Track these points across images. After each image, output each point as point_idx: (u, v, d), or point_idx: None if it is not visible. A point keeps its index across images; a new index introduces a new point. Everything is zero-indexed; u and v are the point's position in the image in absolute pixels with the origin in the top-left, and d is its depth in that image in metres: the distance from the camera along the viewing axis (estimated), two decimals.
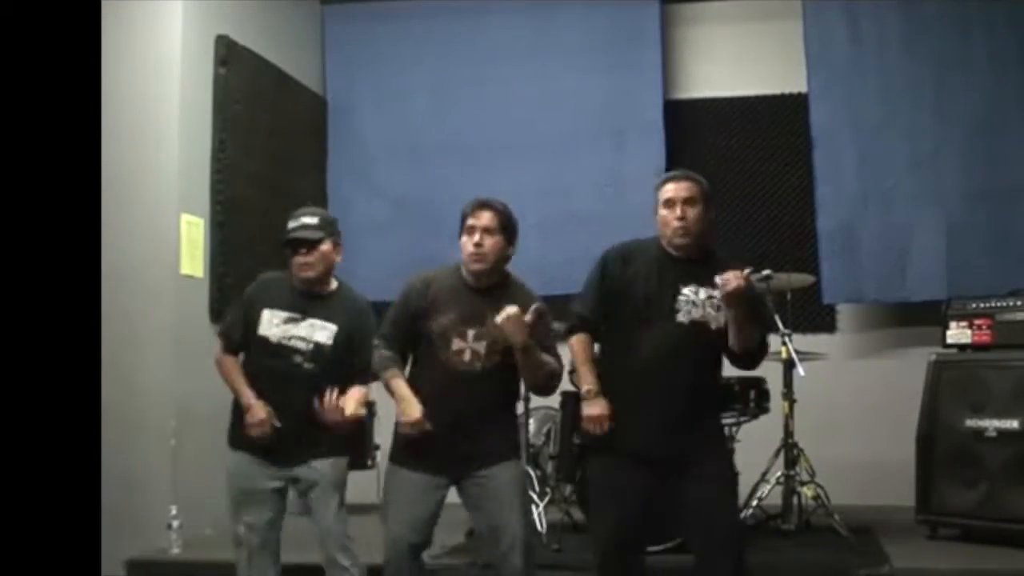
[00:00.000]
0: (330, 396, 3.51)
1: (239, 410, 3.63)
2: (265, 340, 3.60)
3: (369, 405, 5.92)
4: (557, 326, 3.59)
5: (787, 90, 6.54)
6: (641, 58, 6.43)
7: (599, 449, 3.43)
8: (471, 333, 3.36)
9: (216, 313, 5.30)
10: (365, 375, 3.58)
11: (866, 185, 6.10)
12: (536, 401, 5.39)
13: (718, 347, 3.39)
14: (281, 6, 6.37)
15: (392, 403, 3.44)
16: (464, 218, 3.44)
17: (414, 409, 3.33)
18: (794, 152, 6.50)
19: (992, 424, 4.63)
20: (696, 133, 6.65)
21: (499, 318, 3.24)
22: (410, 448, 3.40)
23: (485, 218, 3.39)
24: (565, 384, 4.88)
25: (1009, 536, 4.49)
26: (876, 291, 6.13)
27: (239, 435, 3.65)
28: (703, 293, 3.31)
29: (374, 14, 6.83)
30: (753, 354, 3.41)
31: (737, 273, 3.22)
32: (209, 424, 4.68)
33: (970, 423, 4.70)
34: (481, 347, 3.35)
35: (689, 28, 6.75)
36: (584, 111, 6.47)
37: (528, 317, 3.24)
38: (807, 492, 4.96)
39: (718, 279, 3.21)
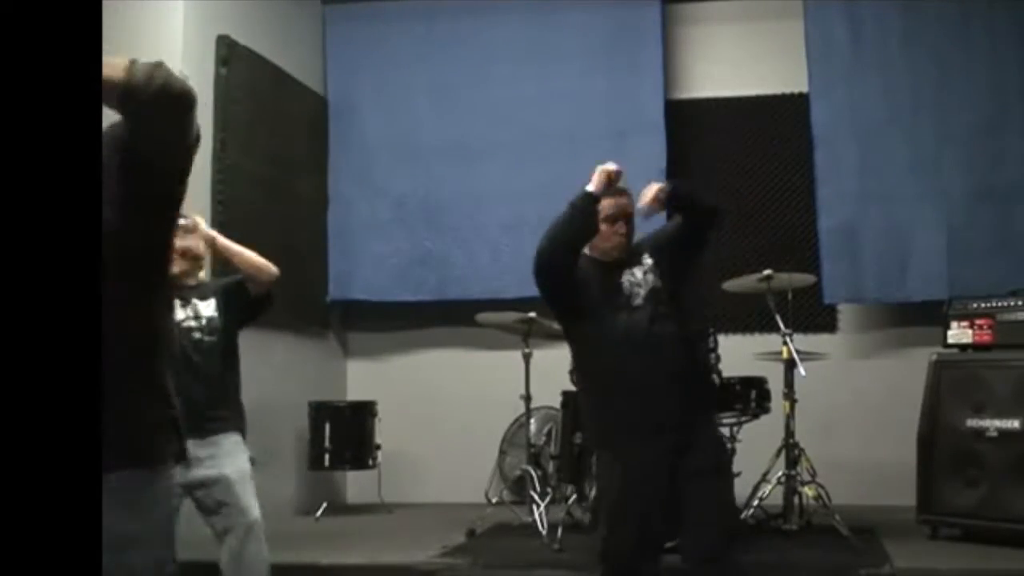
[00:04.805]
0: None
1: None
2: None
3: (369, 405, 5.93)
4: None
5: (787, 90, 6.54)
6: (642, 58, 6.43)
7: (605, 453, 3.39)
8: None
9: None
10: None
11: (867, 185, 6.09)
12: (537, 401, 5.40)
13: (685, 308, 3.37)
14: (282, 6, 6.37)
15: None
16: None
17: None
18: (795, 152, 6.49)
19: (993, 424, 4.63)
20: (697, 133, 6.65)
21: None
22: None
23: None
24: (566, 384, 4.91)
25: (1010, 536, 4.49)
26: (877, 291, 6.13)
27: None
28: (639, 273, 3.36)
29: (375, 14, 6.83)
30: (695, 209, 3.42)
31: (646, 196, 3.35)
32: None
33: (971, 423, 4.70)
34: None
35: (690, 28, 6.75)
36: (585, 111, 6.46)
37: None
38: (808, 492, 4.96)
39: (638, 207, 3.36)
